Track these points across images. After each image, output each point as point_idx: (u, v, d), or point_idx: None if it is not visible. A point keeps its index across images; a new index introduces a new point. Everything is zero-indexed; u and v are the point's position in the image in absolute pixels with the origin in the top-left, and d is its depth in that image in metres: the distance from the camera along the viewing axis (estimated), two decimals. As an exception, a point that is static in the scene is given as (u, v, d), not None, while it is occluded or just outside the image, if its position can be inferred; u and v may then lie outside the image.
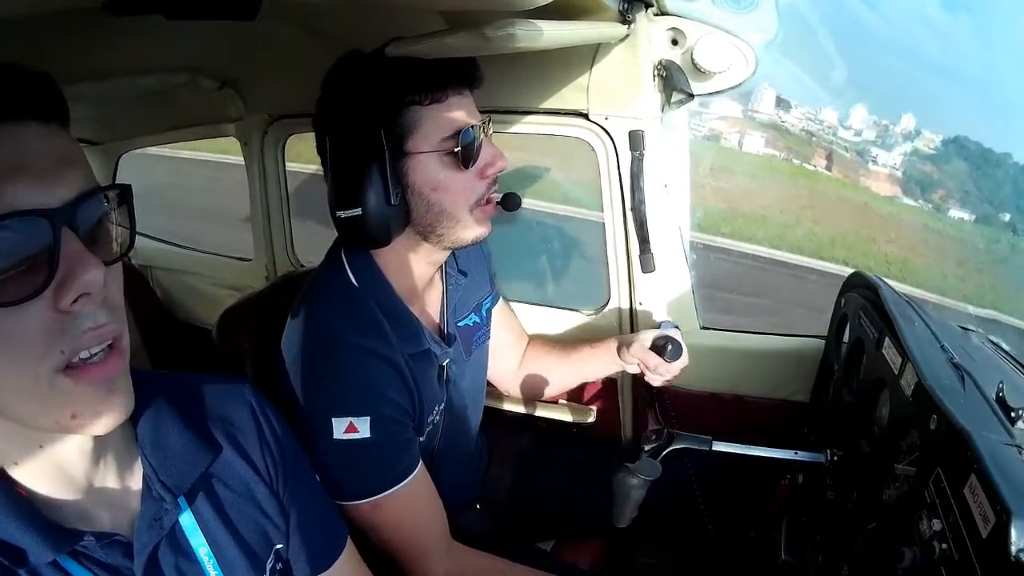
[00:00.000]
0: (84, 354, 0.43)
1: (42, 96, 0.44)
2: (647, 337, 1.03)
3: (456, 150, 0.82)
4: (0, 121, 0.41)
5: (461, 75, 0.84)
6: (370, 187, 0.81)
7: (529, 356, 1.25)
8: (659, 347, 1.01)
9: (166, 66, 1.21)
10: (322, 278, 0.92)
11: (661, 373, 1.04)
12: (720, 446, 0.94)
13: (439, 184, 0.84)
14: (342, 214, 0.83)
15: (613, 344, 1.11)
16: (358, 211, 0.81)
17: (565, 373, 1.20)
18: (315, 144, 0.89)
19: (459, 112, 0.83)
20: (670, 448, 0.91)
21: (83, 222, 0.43)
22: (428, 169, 0.83)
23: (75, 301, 0.42)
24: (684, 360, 1.02)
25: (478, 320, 1.08)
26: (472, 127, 0.83)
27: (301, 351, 0.85)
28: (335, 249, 0.93)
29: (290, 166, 1.58)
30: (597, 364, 1.16)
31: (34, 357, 0.41)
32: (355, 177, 0.81)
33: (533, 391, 1.25)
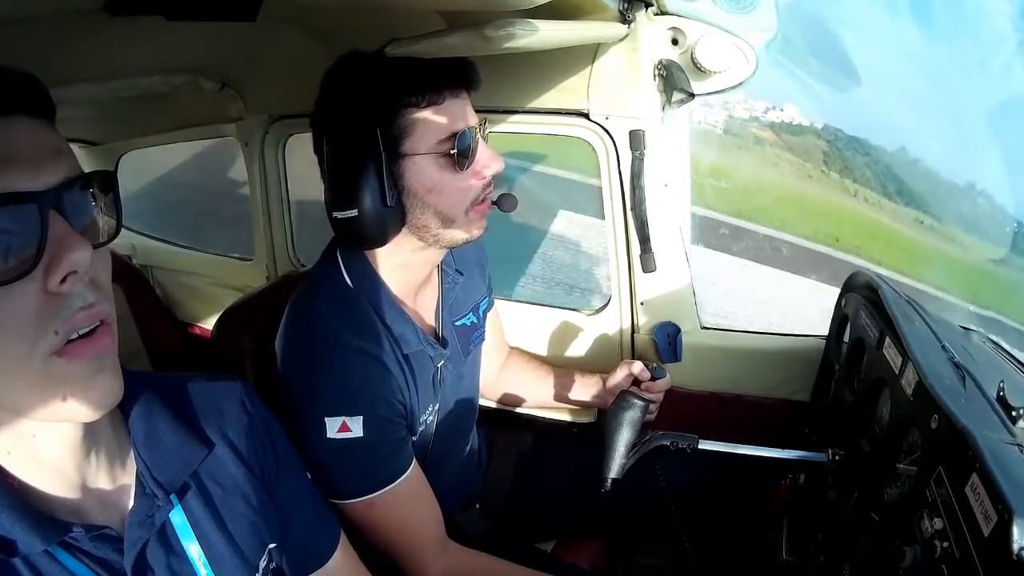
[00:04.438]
0: (74, 335, 0.44)
1: (27, 92, 0.45)
2: (635, 362, 1.10)
3: (452, 152, 0.82)
4: None
5: (457, 77, 0.83)
6: (366, 189, 0.81)
7: (510, 368, 1.27)
8: (645, 366, 1.08)
9: (167, 67, 1.21)
10: (317, 278, 0.92)
11: (647, 390, 1.06)
12: (720, 446, 0.94)
13: (435, 186, 0.84)
14: (338, 215, 0.83)
15: (599, 378, 1.17)
16: (354, 212, 0.81)
17: (543, 392, 1.24)
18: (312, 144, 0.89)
19: (455, 114, 0.83)
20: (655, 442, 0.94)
21: (70, 206, 0.44)
22: (424, 171, 0.83)
23: (63, 281, 0.43)
24: (667, 382, 1.08)
25: (475, 320, 1.08)
26: (468, 129, 0.83)
27: (295, 350, 0.86)
28: (331, 249, 0.93)
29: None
30: (579, 393, 1.21)
31: (28, 340, 0.42)
32: (351, 178, 0.81)
33: (507, 403, 1.29)
